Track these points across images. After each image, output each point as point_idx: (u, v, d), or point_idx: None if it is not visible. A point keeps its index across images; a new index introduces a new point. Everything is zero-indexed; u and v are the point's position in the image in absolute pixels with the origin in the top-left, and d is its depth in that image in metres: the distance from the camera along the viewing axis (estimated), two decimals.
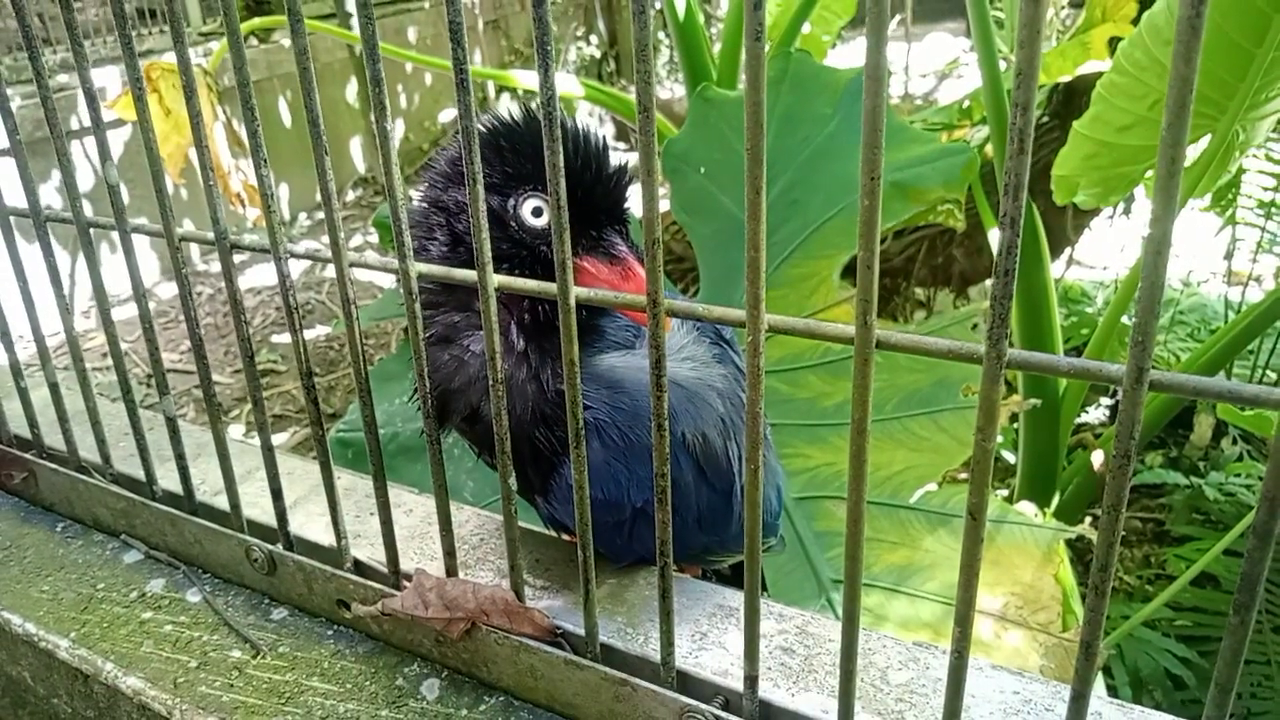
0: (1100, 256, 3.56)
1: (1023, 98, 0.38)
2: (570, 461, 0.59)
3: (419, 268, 0.59)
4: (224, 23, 0.61)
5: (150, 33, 4.19)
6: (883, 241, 2.57)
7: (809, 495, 1.30)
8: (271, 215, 0.64)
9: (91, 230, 0.77)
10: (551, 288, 0.54)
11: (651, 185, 0.48)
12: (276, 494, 0.74)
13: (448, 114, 5.69)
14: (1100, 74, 1.63)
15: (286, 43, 4.37)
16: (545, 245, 0.66)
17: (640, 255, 0.67)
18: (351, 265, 0.62)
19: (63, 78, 3.59)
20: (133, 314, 3.13)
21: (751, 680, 0.56)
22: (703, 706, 0.57)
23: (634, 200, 0.69)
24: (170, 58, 2.36)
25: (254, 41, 4.36)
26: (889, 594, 1.21)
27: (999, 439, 2.44)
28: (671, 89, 6.40)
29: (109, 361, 3.01)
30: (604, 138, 0.67)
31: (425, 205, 0.70)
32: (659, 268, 0.50)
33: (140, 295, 0.75)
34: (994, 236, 2.05)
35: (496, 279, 0.57)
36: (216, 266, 3.65)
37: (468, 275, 0.57)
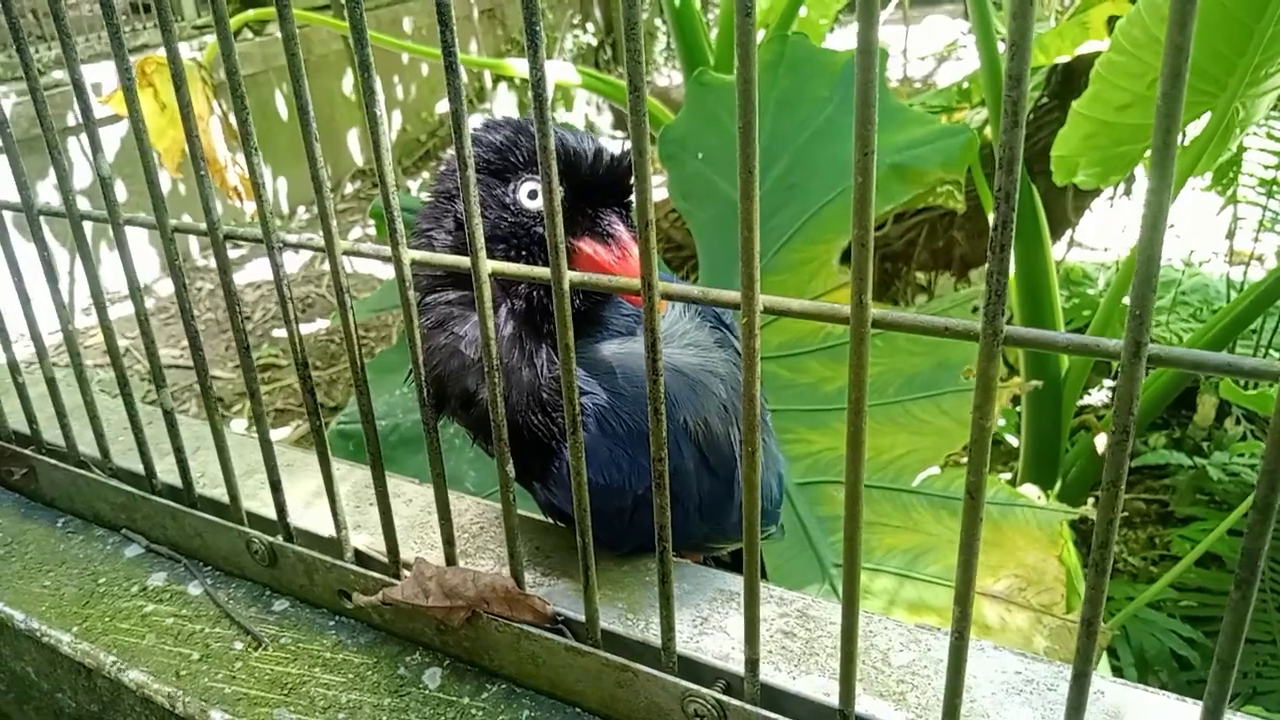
0: (1102, 238, 3.55)
1: (1015, 69, 0.38)
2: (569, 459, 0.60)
3: (412, 254, 0.59)
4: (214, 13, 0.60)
5: (145, 27, 4.17)
6: (883, 225, 2.56)
7: (811, 480, 1.30)
8: (264, 204, 0.64)
9: (90, 225, 0.77)
10: (545, 272, 0.53)
11: (643, 166, 0.48)
12: (275, 486, 0.74)
13: (444, 105, 5.67)
14: (1099, 53, 1.62)
15: (280, 34, 4.34)
16: (542, 226, 0.66)
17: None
18: (345, 253, 0.62)
19: (59, 74, 3.58)
20: (133, 310, 3.14)
21: (752, 664, 0.55)
22: (704, 691, 0.57)
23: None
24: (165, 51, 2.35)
25: (249, 34, 4.35)
26: (900, 579, 1.21)
27: (1001, 422, 2.44)
28: (669, 75, 6.37)
29: (105, 359, 3.01)
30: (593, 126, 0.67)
31: (432, 199, 0.71)
32: (652, 251, 0.49)
33: (135, 289, 0.74)
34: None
35: (490, 264, 0.56)
36: (212, 261, 3.65)
37: (460, 261, 0.57)
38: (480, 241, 0.55)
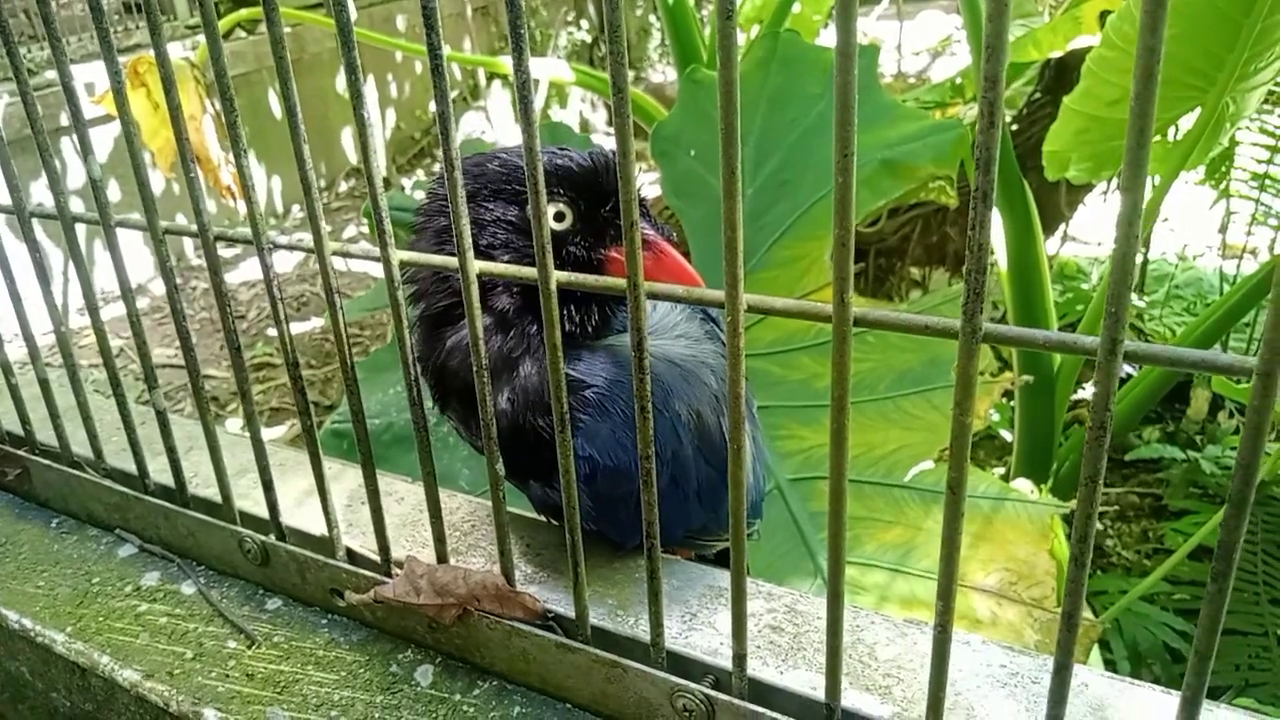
0: (1095, 232, 3.56)
1: (991, 71, 0.38)
2: (577, 445, 0.60)
3: (400, 255, 0.59)
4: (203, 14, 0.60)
5: (139, 26, 4.16)
6: (877, 221, 2.56)
7: (803, 476, 1.31)
8: (254, 206, 0.64)
9: (83, 226, 0.77)
10: (532, 272, 0.54)
11: (628, 167, 0.48)
12: (267, 485, 0.74)
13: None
14: (1091, 48, 1.62)
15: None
16: (571, 246, 0.68)
17: (668, 235, 0.68)
18: (334, 254, 0.62)
19: (52, 73, 3.58)
20: (120, 310, 3.13)
21: (740, 659, 0.56)
22: (693, 686, 0.57)
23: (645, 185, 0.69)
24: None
25: (241, 34, 4.34)
26: (892, 574, 1.21)
27: (995, 416, 2.45)
28: (664, 72, 6.38)
29: (97, 360, 3.00)
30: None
31: (442, 211, 0.70)
32: (638, 251, 0.50)
33: (126, 290, 0.75)
34: None
35: (478, 264, 0.57)
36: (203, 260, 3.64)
37: (448, 262, 0.57)
38: (468, 242, 0.55)
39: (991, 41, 0.38)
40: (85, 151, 0.71)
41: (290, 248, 0.68)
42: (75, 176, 3.49)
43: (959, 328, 0.43)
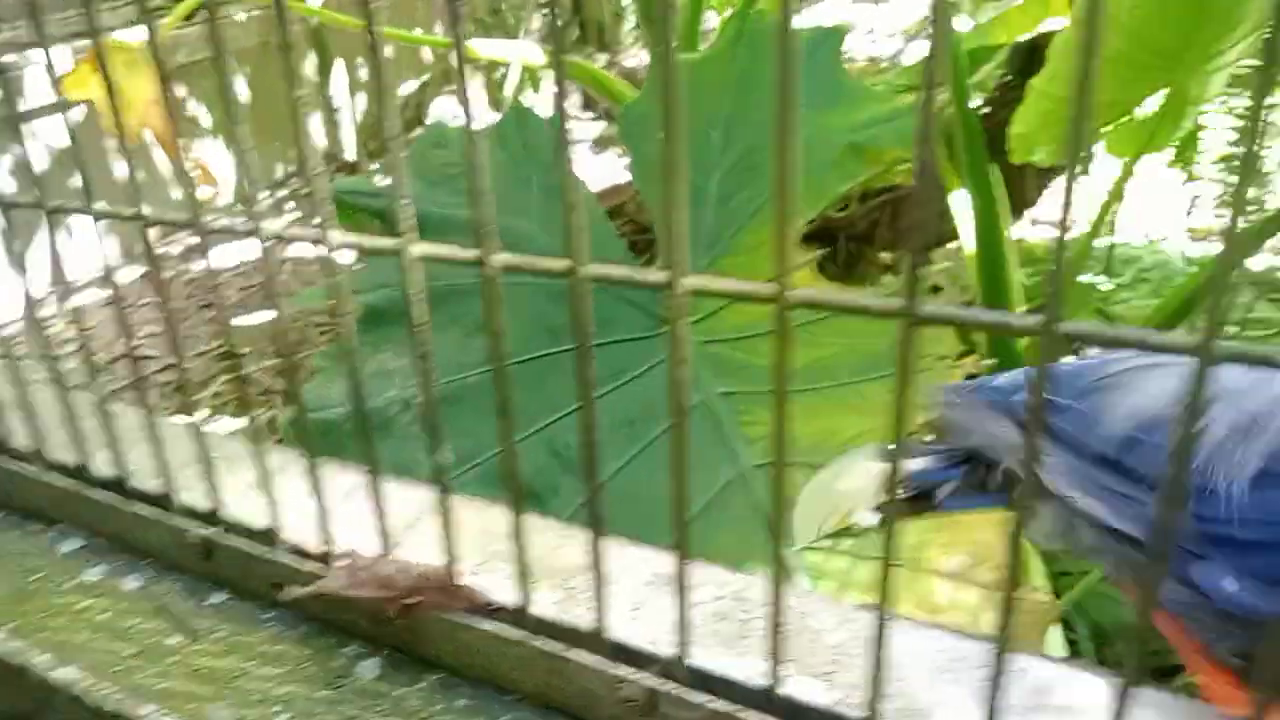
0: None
1: (937, 43, 0.37)
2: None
3: (342, 237, 0.58)
4: None
5: (100, 10, 4.08)
6: (845, 206, 2.56)
7: (768, 462, 1.30)
8: (191, 189, 0.62)
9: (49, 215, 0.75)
10: (474, 254, 0.52)
11: (564, 146, 0.47)
12: (209, 477, 0.72)
13: (410, 86, 5.60)
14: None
15: (239, 16, 4.27)
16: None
17: None
18: (271, 237, 0.60)
19: (10, 57, 3.50)
20: (92, 299, 3.07)
21: (684, 647, 0.55)
22: (636, 675, 0.56)
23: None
24: (120, 35, 2.30)
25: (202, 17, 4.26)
26: (853, 561, 1.21)
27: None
28: (638, 57, 6.34)
29: (65, 350, 2.94)
30: None
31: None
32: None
33: (59, 277, 0.73)
34: (955, 198, 2.05)
35: (419, 248, 0.55)
36: (176, 249, 3.59)
37: (397, 243, 0.56)
38: (412, 223, 0.54)
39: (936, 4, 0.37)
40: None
41: (228, 230, 0.66)
42: (36, 164, 3.41)
43: (898, 308, 0.42)
